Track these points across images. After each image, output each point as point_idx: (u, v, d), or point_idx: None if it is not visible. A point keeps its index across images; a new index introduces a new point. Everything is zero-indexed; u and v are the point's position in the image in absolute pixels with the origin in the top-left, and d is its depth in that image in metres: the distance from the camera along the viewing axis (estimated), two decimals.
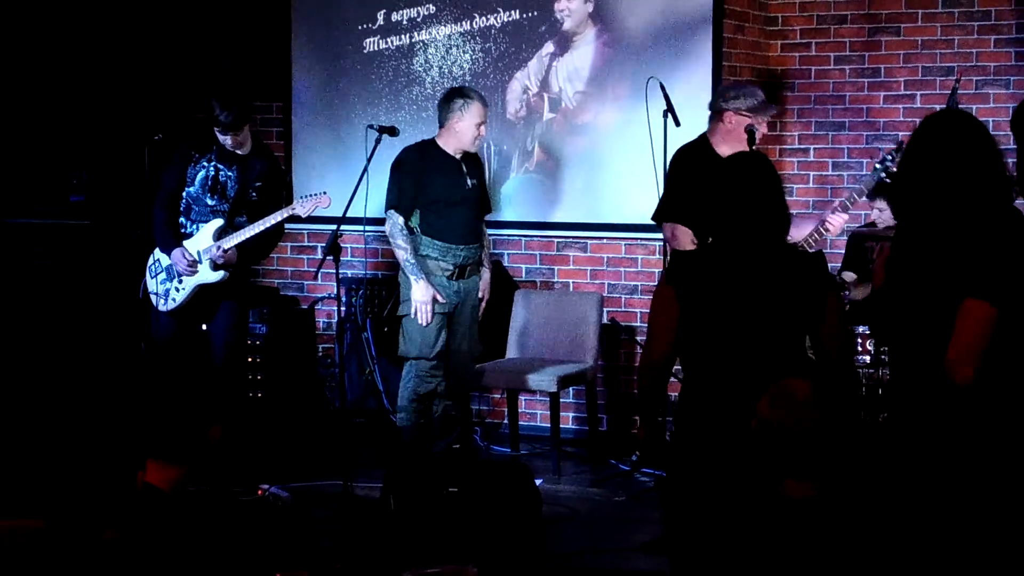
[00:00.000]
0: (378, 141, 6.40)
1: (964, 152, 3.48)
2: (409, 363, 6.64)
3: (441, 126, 6.62)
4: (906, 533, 3.39)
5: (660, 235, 6.41)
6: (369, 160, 6.37)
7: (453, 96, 6.62)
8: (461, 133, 6.59)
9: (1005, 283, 3.40)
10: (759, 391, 3.95)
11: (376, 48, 7.94)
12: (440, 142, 6.63)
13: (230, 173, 6.50)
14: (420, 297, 6.50)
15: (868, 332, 6.30)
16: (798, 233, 5.68)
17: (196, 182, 6.51)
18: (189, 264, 6.41)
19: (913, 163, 3.52)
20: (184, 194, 6.52)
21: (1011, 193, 3.60)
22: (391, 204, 6.59)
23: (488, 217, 7.67)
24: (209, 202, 6.50)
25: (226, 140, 6.43)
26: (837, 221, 5.81)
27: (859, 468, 3.53)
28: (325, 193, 6.45)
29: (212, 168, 6.49)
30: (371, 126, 6.49)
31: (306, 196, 6.47)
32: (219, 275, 6.46)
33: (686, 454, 4.16)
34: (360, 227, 6.88)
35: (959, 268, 3.39)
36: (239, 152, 6.51)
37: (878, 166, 5.82)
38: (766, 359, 4.00)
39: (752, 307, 4.01)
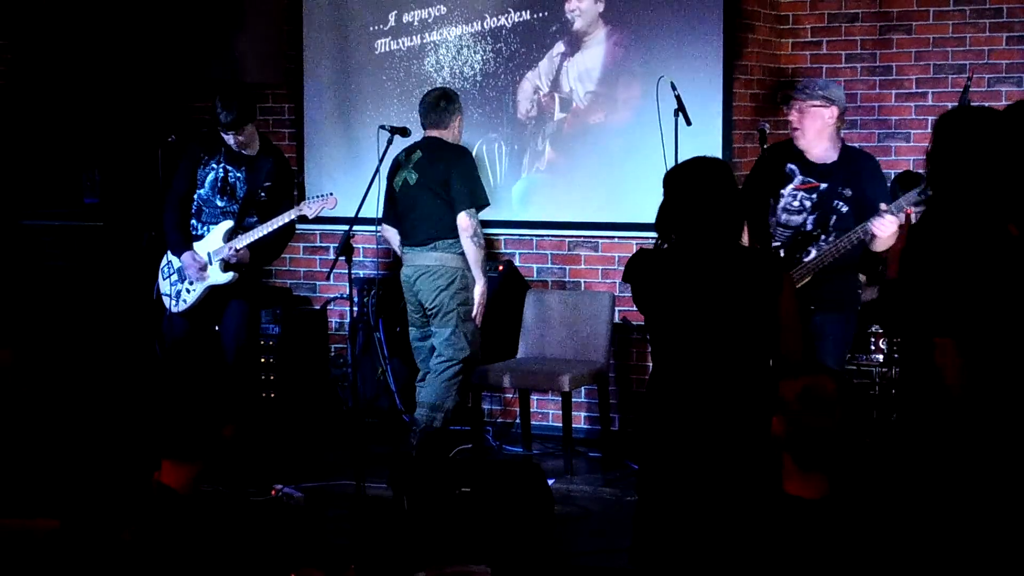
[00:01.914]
0: (390, 142, 6.40)
1: (994, 152, 3.45)
2: (459, 366, 6.52)
3: (445, 127, 6.53)
4: (913, 532, 3.39)
5: None
6: (381, 161, 6.37)
7: (452, 97, 6.59)
8: (460, 132, 6.60)
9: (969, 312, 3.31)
10: (721, 392, 4.02)
11: (387, 49, 7.95)
12: (449, 140, 6.59)
13: (239, 174, 6.53)
14: (483, 297, 6.48)
15: (880, 331, 6.28)
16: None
17: (206, 184, 6.55)
18: (199, 268, 6.45)
19: (945, 158, 3.49)
20: (195, 196, 6.56)
21: None
22: (480, 202, 6.49)
23: (500, 217, 7.67)
24: (219, 203, 6.54)
25: (229, 139, 6.47)
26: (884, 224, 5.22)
27: (870, 466, 3.53)
28: (332, 194, 6.47)
29: (221, 169, 6.53)
30: (383, 127, 6.49)
31: (314, 197, 6.52)
32: (229, 276, 6.49)
33: (656, 451, 4.22)
34: (372, 227, 6.88)
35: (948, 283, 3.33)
36: (247, 153, 6.54)
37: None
38: (724, 360, 4.06)
39: (705, 307, 4.09)
